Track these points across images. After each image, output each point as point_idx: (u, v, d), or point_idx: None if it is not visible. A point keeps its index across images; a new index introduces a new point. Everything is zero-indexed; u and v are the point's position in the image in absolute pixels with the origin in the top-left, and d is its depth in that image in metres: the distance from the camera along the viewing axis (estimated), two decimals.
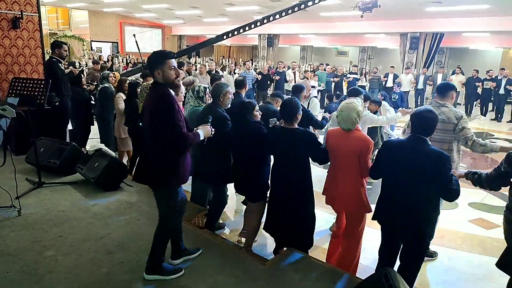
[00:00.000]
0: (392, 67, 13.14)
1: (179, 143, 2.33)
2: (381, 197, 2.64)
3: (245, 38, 21.63)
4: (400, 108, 4.97)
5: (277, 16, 8.40)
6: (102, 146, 4.28)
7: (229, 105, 3.46)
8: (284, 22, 17.78)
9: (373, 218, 2.67)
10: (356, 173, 2.77)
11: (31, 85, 3.78)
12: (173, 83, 2.35)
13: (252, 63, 16.08)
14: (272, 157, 3.18)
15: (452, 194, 2.35)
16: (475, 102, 12.49)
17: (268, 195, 3.21)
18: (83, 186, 4.05)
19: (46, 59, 5.36)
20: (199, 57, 22.53)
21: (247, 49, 25.73)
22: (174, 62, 2.36)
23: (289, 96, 3.62)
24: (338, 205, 2.95)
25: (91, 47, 20.67)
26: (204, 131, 2.53)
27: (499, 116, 11.52)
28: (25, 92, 3.73)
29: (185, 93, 4.11)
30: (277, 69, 11.35)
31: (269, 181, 3.18)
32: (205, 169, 3.38)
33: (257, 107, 3.21)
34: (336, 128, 2.91)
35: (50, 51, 5.27)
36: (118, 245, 2.94)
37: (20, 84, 3.78)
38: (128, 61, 15.90)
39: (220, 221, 3.88)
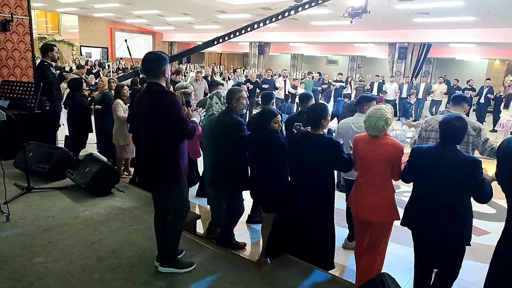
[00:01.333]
0: (377, 76, 13.44)
1: (189, 136, 2.48)
2: (411, 203, 2.62)
3: (236, 45, 21.72)
4: (404, 121, 4.85)
5: (267, 22, 8.42)
6: (93, 151, 4.21)
7: (244, 110, 3.34)
8: (275, 31, 17.99)
9: (402, 224, 2.64)
10: (387, 180, 2.72)
11: (21, 88, 3.71)
12: (169, 83, 2.48)
13: (243, 71, 16.10)
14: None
15: (486, 196, 2.36)
16: None
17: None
18: (73, 191, 3.98)
19: (37, 63, 5.28)
20: (190, 63, 22.56)
21: (238, 57, 25.84)
22: None
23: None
24: (368, 216, 2.76)
25: (81, 52, 20.50)
26: (196, 117, 2.70)
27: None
28: (14, 96, 3.66)
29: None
30: (265, 78, 11.21)
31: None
32: (220, 176, 3.29)
33: (278, 118, 3.06)
34: (363, 134, 2.82)
35: (40, 55, 5.19)
36: (110, 251, 2.88)
37: (10, 87, 3.71)
38: (117, 67, 15.80)
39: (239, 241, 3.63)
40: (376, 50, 17.99)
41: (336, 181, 5.70)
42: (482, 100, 11.56)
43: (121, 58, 19.27)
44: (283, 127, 4.26)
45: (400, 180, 2.76)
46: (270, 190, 3.05)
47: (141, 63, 2.44)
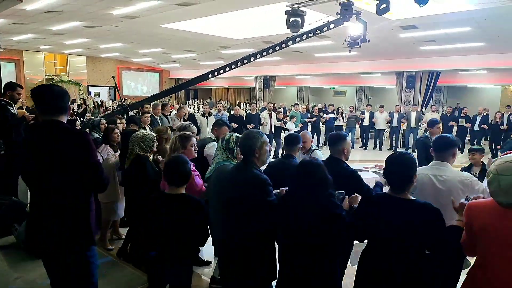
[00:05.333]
0: (369, 105, 13.24)
1: (103, 188, 2.06)
2: None
3: (242, 80, 21.66)
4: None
5: (264, 53, 8.07)
6: None
7: (268, 161, 2.50)
8: (280, 64, 17.84)
9: None
10: None
11: None
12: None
13: (244, 105, 15.65)
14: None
15: None
16: None
17: None
18: (15, 251, 3.41)
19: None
20: (197, 100, 22.53)
21: (244, 91, 25.79)
22: None
23: None
24: None
25: (88, 92, 20.71)
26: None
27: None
28: None
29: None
30: (250, 112, 10.29)
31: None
32: (235, 260, 2.31)
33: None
34: (486, 201, 1.84)
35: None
36: None
37: None
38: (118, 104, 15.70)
39: None
40: (383, 80, 17.55)
41: None
42: (476, 128, 11.16)
43: (120, 98, 19.26)
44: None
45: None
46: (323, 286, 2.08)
47: (36, 97, 2.04)
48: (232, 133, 2.86)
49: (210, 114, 9.10)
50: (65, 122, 2.04)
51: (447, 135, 2.84)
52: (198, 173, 2.95)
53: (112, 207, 4.07)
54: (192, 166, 2.93)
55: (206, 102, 17.07)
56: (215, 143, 3.58)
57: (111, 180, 3.89)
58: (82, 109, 13.04)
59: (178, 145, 2.99)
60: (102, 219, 4.10)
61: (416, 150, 4.74)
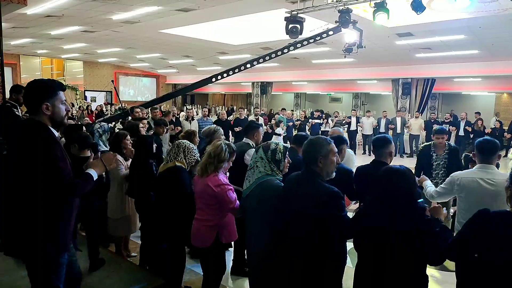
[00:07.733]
0: (353, 110, 13.48)
1: (65, 193, 1.91)
2: None
3: (240, 86, 21.77)
4: None
5: (267, 58, 8.15)
6: None
7: (333, 174, 2.19)
8: (277, 70, 17.98)
9: None
10: None
11: None
12: (62, 121, 2.00)
13: (244, 110, 15.71)
14: None
15: None
16: None
17: None
18: None
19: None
20: (194, 105, 22.58)
21: (241, 97, 25.90)
22: (64, 95, 2.01)
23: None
24: None
25: (85, 97, 20.70)
26: (97, 169, 2.04)
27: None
28: None
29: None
30: (238, 117, 10.10)
31: None
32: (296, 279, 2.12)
33: (412, 177, 1.93)
34: None
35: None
36: None
37: None
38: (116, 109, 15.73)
39: None
40: (379, 87, 17.73)
41: None
42: (461, 133, 11.32)
43: (118, 101, 19.26)
44: None
45: None
46: None
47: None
48: (278, 141, 2.56)
49: (193, 118, 8.86)
50: (43, 121, 1.89)
51: (491, 138, 2.78)
52: (232, 187, 2.68)
53: (122, 223, 3.78)
54: (226, 179, 2.71)
55: (190, 106, 17.05)
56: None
57: (118, 195, 3.67)
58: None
59: (226, 155, 2.68)
60: (117, 238, 3.96)
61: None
